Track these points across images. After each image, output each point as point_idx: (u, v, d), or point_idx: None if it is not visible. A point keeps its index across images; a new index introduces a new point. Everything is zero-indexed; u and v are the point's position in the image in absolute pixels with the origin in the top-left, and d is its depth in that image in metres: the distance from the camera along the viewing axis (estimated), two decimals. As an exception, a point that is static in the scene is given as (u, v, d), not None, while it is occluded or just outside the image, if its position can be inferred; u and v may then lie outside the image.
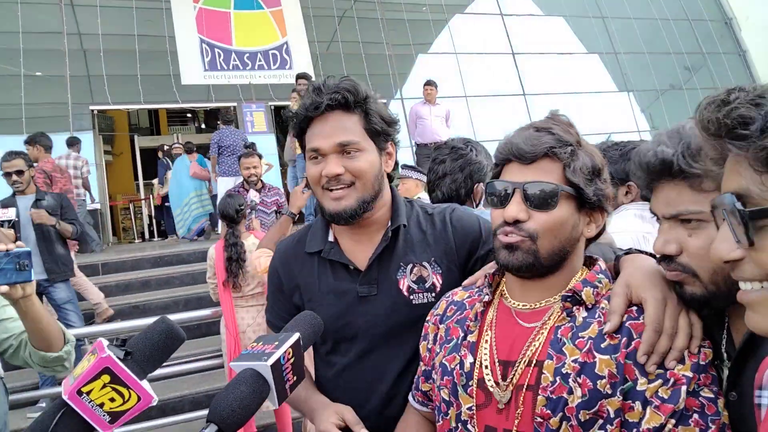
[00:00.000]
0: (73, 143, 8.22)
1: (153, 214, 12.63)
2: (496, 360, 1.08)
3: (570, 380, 0.97)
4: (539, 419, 0.98)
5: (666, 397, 0.92)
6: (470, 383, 1.09)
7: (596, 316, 1.02)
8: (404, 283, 1.42)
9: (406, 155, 8.92)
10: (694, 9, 14.35)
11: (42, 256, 4.73)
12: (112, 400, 0.80)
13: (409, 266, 1.43)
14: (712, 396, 0.92)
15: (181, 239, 9.41)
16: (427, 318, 1.30)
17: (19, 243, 1.59)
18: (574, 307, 1.04)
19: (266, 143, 9.57)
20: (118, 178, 13.47)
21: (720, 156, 0.72)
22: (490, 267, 1.24)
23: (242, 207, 4.09)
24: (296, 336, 0.94)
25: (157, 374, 0.88)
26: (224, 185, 7.59)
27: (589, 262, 1.15)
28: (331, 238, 1.49)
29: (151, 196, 12.37)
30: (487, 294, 1.16)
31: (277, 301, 1.58)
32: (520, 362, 1.04)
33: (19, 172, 4.61)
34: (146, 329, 0.88)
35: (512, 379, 1.04)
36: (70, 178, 7.20)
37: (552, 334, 1.03)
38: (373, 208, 1.41)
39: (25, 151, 5.29)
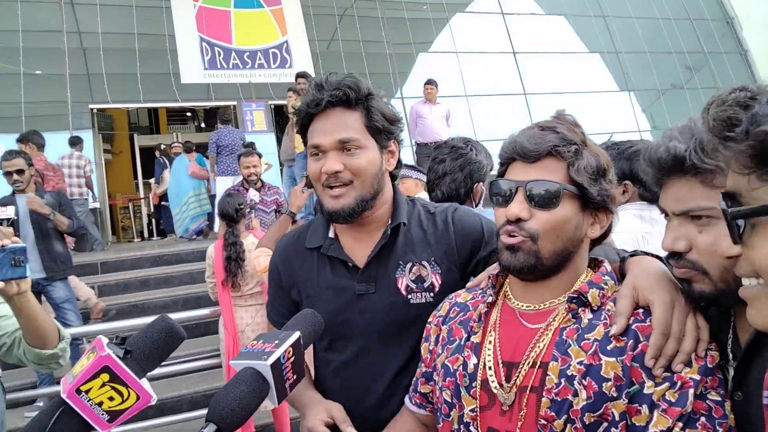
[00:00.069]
0: (75, 142, 8.23)
1: (152, 213, 12.63)
2: (500, 361, 1.07)
3: (575, 382, 0.96)
4: (543, 421, 0.97)
5: (673, 400, 0.91)
6: (473, 384, 1.08)
7: (602, 318, 1.01)
8: (403, 282, 1.41)
9: (406, 154, 8.91)
10: (695, 8, 14.35)
11: (41, 254, 4.72)
12: (111, 399, 0.79)
13: (409, 265, 1.42)
14: (719, 399, 0.92)
15: (179, 238, 9.41)
16: (429, 320, 1.28)
17: (14, 239, 1.58)
18: (580, 309, 1.03)
19: (266, 142, 9.57)
20: (118, 176, 13.47)
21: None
22: (494, 268, 1.23)
23: (242, 206, 4.08)
24: (296, 335, 0.93)
25: (155, 373, 0.87)
26: (223, 185, 7.57)
27: (594, 263, 1.14)
28: (331, 235, 1.48)
29: (150, 195, 12.38)
30: (491, 295, 1.15)
31: (277, 297, 1.58)
32: (524, 364, 1.03)
33: (20, 171, 4.60)
34: (146, 327, 0.87)
35: (516, 380, 1.03)
36: (63, 177, 7.20)
37: (557, 335, 1.02)
38: (372, 207, 1.40)
39: (21, 150, 5.28)
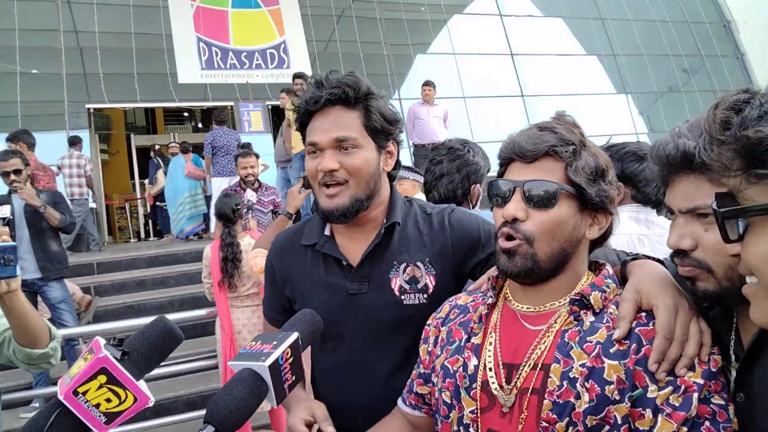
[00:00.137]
0: (75, 142, 8.22)
1: (148, 213, 12.59)
2: (500, 363, 1.06)
3: (577, 385, 0.95)
4: (545, 424, 0.96)
5: (677, 404, 0.91)
6: (473, 386, 1.07)
7: (604, 321, 1.01)
8: (396, 283, 1.39)
9: (404, 156, 8.86)
10: (692, 11, 14.40)
11: (36, 254, 4.70)
12: (108, 400, 0.78)
13: (403, 265, 1.41)
14: (722, 403, 0.91)
15: (175, 239, 9.40)
16: (428, 321, 1.27)
17: (4, 237, 1.57)
18: (582, 312, 1.03)
19: (263, 143, 9.55)
20: (114, 177, 13.43)
21: None
22: (494, 270, 1.22)
23: (239, 207, 4.07)
24: (295, 336, 0.93)
25: (151, 374, 0.87)
26: (219, 185, 7.55)
27: (595, 266, 1.13)
28: (327, 233, 1.48)
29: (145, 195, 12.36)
30: (491, 297, 1.15)
31: (271, 293, 1.57)
32: (524, 365, 1.03)
33: (17, 171, 4.60)
34: (144, 329, 0.87)
35: (516, 382, 1.02)
36: (54, 177, 7.18)
37: (558, 337, 1.02)
38: (368, 207, 1.39)
39: (17, 149, 5.27)
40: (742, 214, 0.69)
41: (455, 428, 1.09)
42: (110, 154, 13.77)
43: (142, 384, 0.81)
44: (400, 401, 1.31)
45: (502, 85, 12.41)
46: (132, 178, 13.64)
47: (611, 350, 0.96)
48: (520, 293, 1.12)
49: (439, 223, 1.46)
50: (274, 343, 0.91)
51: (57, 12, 9.87)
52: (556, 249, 1.03)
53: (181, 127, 15.47)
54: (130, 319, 5.17)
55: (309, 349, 1.52)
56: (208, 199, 8.90)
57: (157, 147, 11.50)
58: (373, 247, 1.41)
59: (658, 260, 1.10)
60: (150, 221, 12.63)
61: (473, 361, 1.09)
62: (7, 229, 3.61)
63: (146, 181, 11.76)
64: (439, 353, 1.18)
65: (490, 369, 1.06)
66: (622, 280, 1.10)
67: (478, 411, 1.06)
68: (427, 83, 8.81)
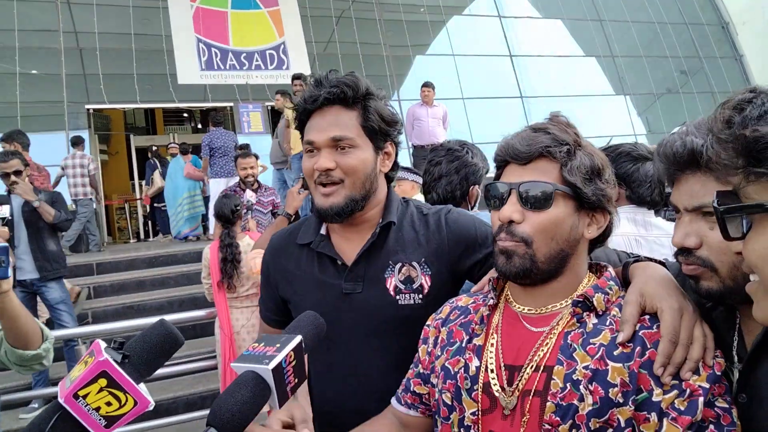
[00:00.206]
0: (77, 142, 8.23)
1: (148, 214, 12.58)
2: (502, 364, 1.06)
3: (581, 387, 0.95)
4: (548, 426, 0.96)
5: (683, 408, 0.90)
6: (475, 387, 1.07)
7: (607, 323, 1.01)
8: (391, 283, 1.39)
9: (403, 157, 8.87)
10: (691, 13, 14.42)
11: (33, 254, 4.71)
12: (108, 404, 0.78)
13: (398, 265, 1.40)
14: (726, 406, 0.91)
15: (174, 239, 9.40)
16: (428, 322, 1.27)
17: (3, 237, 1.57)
18: (584, 313, 1.03)
19: (263, 144, 9.56)
20: (114, 177, 13.43)
21: None
22: (495, 271, 1.23)
23: (238, 208, 4.08)
24: (298, 339, 0.92)
25: (151, 375, 0.87)
26: (216, 186, 7.54)
27: (596, 268, 1.13)
28: (323, 232, 1.48)
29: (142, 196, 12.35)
30: (492, 298, 1.14)
31: (266, 293, 1.57)
32: (527, 367, 1.02)
33: (17, 172, 4.61)
34: (144, 332, 0.86)
35: (518, 384, 1.02)
36: (49, 177, 7.19)
37: (561, 339, 1.01)
38: (364, 207, 1.39)
39: (17, 151, 5.27)
40: (742, 212, 0.70)
41: (456, 430, 1.09)
42: (110, 154, 13.77)
43: (142, 387, 0.81)
44: (394, 400, 1.30)
45: (501, 86, 12.42)
46: (131, 178, 13.64)
47: (615, 353, 0.96)
48: (521, 295, 1.11)
49: (436, 224, 1.46)
50: (278, 345, 0.90)
51: (57, 13, 9.87)
52: (554, 250, 1.03)
53: (180, 127, 15.47)
54: (129, 320, 5.17)
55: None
56: (206, 200, 8.90)
57: (154, 148, 11.49)
58: (368, 247, 1.41)
59: (660, 262, 1.10)
60: (150, 222, 12.62)
61: (475, 363, 1.08)
62: (6, 229, 3.62)
63: (142, 182, 11.75)
64: (439, 354, 1.18)
65: (492, 370, 1.06)
66: (624, 281, 1.10)
67: (480, 413, 1.05)
68: (426, 84, 8.81)
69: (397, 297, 1.38)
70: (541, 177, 1.03)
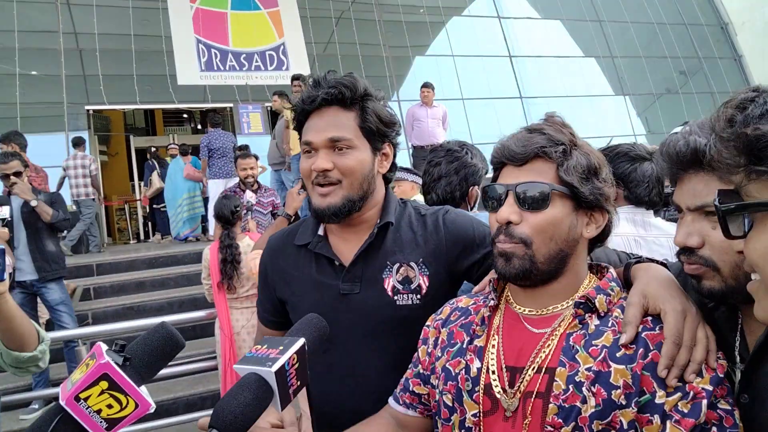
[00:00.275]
0: (78, 143, 8.24)
1: (147, 214, 12.58)
2: (503, 366, 1.05)
3: (584, 389, 0.95)
4: (550, 428, 0.96)
5: (686, 411, 0.90)
6: (476, 389, 1.06)
7: (609, 325, 1.00)
8: (389, 283, 1.39)
9: (402, 157, 8.89)
10: (690, 13, 14.43)
11: (32, 254, 4.71)
12: (109, 406, 0.78)
13: (396, 266, 1.40)
14: (729, 408, 0.91)
15: (174, 239, 9.40)
16: (428, 323, 1.27)
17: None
18: (586, 315, 1.02)
19: (262, 145, 9.56)
20: (114, 178, 13.42)
21: None
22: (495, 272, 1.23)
23: (238, 208, 4.08)
24: (301, 341, 0.92)
25: (151, 376, 0.87)
26: (215, 187, 7.53)
27: (597, 269, 1.13)
28: (321, 232, 1.47)
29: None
30: (493, 299, 1.14)
31: (264, 294, 1.57)
32: (528, 369, 1.02)
33: (17, 174, 4.61)
34: (146, 335, 0.87)
35: (520, 386, 1.02)
36: (46, 178, 7.19)
37: (563, 340, 1.01)
38: (361, 208, 1.39)
39: (17, 152, 5.27)
40: (743, 210, 0.70)
41: (457, 431, 1.08)
42: (109, 155, 13.77)
43: (143, 390, 0.81)
44: (391, 400, 1.29)
45: (501, 86, 12.42)
46: (131, 179, 13.63)
47: (618, 354, 0.96)
48: (521, 296, 1.11)
49: (433, 224, 1.46)
50: (281, 348, 0.90)
51: (56, 13, 9.87)
52: (553, 250, 1.03)
53: (180, 128, 15.48)
54: (129, 321, 5.17)
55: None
56: (206, 201, 8.90)
57: (153, 149, 11.48)
58: (365, 247, 1.40)
59: (661, 263, 1.10)
60: (150, 223, 12.62)
61: (476, 364, 1.08)
62: (6, 230, 3.61)
63: (141, 183, 11.75)
64: (439, 355, 1.17)
65: (493, 372, 1.05)
66: (625, 282, 1.10)
67: (481, 414, 1.05)
68: (425, 85, 8.81)
69: (395, 297, 1.38)
70: (537, 177, 1.03)
